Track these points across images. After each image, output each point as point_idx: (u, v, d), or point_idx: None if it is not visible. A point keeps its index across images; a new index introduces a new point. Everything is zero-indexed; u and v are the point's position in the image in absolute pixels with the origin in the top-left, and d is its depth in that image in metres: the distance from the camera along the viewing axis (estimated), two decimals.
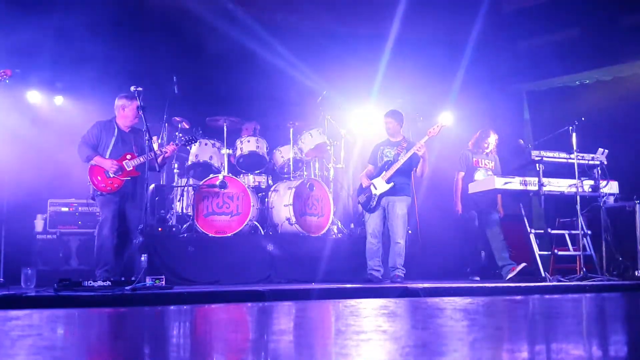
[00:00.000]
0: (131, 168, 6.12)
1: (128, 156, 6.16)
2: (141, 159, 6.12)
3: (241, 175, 7.85)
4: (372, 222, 6.88)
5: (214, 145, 7.86)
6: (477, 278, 7.27)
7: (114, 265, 6.04)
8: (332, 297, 5.40)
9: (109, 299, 4.78)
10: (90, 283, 5.26)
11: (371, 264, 6.82)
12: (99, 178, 6.07)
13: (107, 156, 6.13)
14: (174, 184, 7.79)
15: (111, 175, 6.06)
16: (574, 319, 3.73)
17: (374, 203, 6.82)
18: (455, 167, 7.54)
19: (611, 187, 6.92)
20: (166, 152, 6.34)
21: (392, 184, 6.78)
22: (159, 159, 6.22)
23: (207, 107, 8.44)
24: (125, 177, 6.10)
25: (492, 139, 7.44)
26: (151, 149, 5.92)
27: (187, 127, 8.07)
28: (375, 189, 6.83)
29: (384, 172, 6.83)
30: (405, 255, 6.91)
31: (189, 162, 7.82)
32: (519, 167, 7.05)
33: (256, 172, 7.99)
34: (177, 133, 7.94)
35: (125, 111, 6.25)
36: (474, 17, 8.20)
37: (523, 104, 9.44)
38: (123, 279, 5.52)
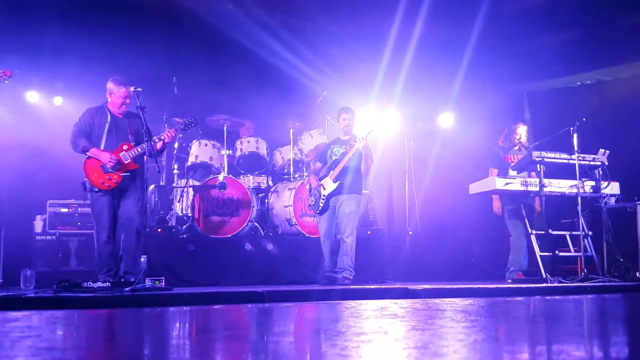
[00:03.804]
0: (129, 160, 5.74)
1: (125, 146, 5.77)
2: (139, 150, 5.75)
3: (241, 176, 7.84)
4: (324, 224, 6.71)
5: (214, 146, 7.85)
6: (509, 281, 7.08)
7: (116, 269, 5.83)
8: (332, 298, 5.39)
9: (109, 300, 4.77)
10: (90, 284, 5.24)
11: (328, 266, 6.68)
12: (96, 174, 5.68)
13: (101, 146, 5.74)
14: (174, 184, 7.78)
15: (109, 170, 5.69)
16: (575, 320, 3.71)
17: (322, 204, 6.64)
18: (487, 164, 7.43)
19: (612, 188, 6.90)
20: (164, 138, 5.92)
21: (338, 182, 6.61)
22: (159, 145, 5.86)
23: (207, 107, 8.44)
24: (124, 173, 5.73)
25: (522, 130, 7.33)
26: (149, 136, 5.63)
27: None
28: (324, 189, 6.68)
29: (332, 171, 6.69)
30: (406, 256, 6.86)
31: (189, 163, 7.81)
32: (520, 167, 7.02)
33: (256, 172, 7.99)
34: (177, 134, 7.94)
35: (112, 97, 5.86)
36: (474, 17, 8.18)
37: (524, 105, 9.44)
38: (122, 280, 5.50)
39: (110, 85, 5.87)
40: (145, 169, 5.99)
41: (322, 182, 6.72)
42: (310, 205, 6.84)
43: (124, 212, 5.82)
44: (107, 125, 5.81)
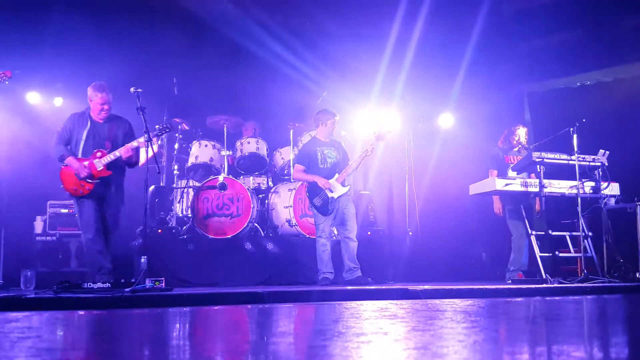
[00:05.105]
0: (101, 168, 5.81)
1: (98, 154, 5.85)
2: (111, 157, 5.82)
3: (241, 177, 7.84)
4: (328, 225, 6.77)
5: (214, 146, 7.86)
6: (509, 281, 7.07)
7: (108, 266, 5.88)
8: (332, 299, 5.38)
9: (109, 301, 4.77)
10: (90, 285, 5.24)
11: (327, 268, 6.72)
12: (70, 180, 5.82)
13: (79, 152, 5.87)
14: (174, 185, 7.78)
15: (82, 178, 5.80)
16: (575, 321, 3.71)
17: (332, 206, 6.71)
18: (486, 166, 7.45)
19: (612, 189, 6.90)
20: (132, 147, 5.87)
21: (348, 187, 6.78)
22: (128, 156, 5.83)
23: (207, 108, 8.44)
24: (96, 180, 5.82)
25: (521, 132, 7.37)
26: (149, 137, 5.64)
27: (187, 128, 8.08)
28: (332, 192, 6.72)
29: (337, 174, 6.76)
30: (406, 257, 6.88)
31: (189, 164, 7.82)
32: (520, 167, 7.02)
33: (256, 173, 7.99)
34: (176, 134, 7.95)
35: (92, 104, 5.96)
36: (475, 18, 8.18)
37: (524, 105, 9.44)
38: (123, 280, 5.50)
39: (89, 91, 5.95)
40: (118, 171, 5.97)
41: (330, 181, 6.77)
42: (316, 207, 6.77)
43: (104, 214, 5.95)
44: (85, 132, 5.90)
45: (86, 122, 5.94)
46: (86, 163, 5.82)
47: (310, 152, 6.88)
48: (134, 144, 5.88)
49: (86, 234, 5.88)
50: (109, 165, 5.85)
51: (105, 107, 5.91)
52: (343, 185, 6.75)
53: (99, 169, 5.82)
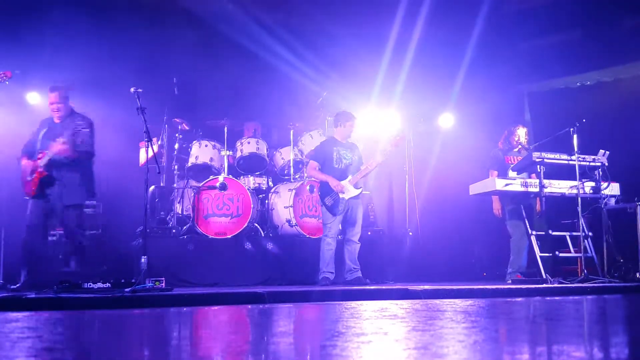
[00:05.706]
0: (40, 169, 5.88)
1: (39, 155, 5.92)
2: (46, 158, 5.84)
3: (241, 177, 7.84)
4: (337, 225, 6.78)
5: (214, 146, 7.86)
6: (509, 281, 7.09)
7: (34, 268, 5.93)
8: (332, 299, 5.38)
9: (109, 301, 4.77)
10: (90, 285, 5.24)
11: (329, 268, 6.71)
12: (24, 182, 5.99)
13: (36, 155, 5.96)
14: (174, 185, 7.78)
15: (28, 179, 5.93)
16: (575, 321, 3.71)
17: (342, 207, 6.71)
18: (487, 166, 7.46)
19: (612, 189, 6.90)
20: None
21: (361, 189, 6.82)
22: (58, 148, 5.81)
23: (207, 108, 8.44)
24: (37, 181, 5.89)
25: (521, 132, 7.39)
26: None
27: (187, 128, 8.08)
28: (343, 193, 6.73)
29: (350, 175, 6.78)
30: (406, 257, 6.87)
31: (189, 164, 7.81)
32: (520, 168, 7.02)
33: (256, 173, 7.99)
34: (176, 134, 7.95)
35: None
36: (475, 18, 8.19)
37: (524, 105, 9.44)
38: (123, 280, 5.50)
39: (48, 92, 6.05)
40: (59, 169, 5.96)
41: (342, 183, 6.76)
42: (326, 206, 6.74)
43: (63, 216, 6.01)
44: (41, 134, 6.00)
45: (46, 125, 6.06)
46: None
47: (326, 151, 6.89)
48: (60, 139, 5.80)
49: (25, 230, 6.04)
50: (50, 166, 5.87)
51: (54, 107, 6.00)
52: (356, 187, 6.77)
53: (39, 170, 5.90)
